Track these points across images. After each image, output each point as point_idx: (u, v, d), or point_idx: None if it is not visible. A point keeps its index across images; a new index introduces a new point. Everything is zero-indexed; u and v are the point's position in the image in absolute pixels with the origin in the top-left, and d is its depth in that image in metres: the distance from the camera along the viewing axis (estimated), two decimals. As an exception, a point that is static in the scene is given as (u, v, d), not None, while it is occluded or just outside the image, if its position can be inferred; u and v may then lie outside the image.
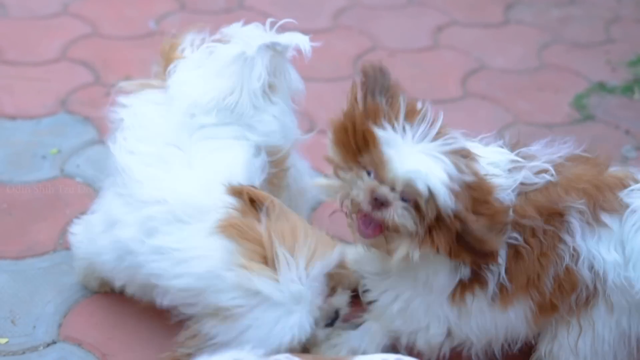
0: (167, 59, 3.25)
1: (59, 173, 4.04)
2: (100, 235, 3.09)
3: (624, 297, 2.79)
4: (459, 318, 2.87)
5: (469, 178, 2.60)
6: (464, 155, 2.67)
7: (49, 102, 4.51)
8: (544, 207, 2.75)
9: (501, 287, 2.78)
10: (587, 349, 2.87)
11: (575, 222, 2.75)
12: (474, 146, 2.81)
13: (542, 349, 2.98)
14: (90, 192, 3.90)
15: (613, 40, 5.30)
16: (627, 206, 2.78)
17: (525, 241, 2.74)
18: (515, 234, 2.73)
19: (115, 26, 5.18)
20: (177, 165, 2.99)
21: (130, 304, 3.38)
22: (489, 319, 2.87)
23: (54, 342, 3.24)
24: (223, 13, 5.28)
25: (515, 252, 2.75)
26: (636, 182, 2.84)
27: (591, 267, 2.76)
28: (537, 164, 2.81)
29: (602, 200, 2.78)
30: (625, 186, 2.82)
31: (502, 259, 2.73)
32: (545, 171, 2.79)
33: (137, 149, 3.04)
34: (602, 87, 4.82)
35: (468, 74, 4.91)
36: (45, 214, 3.79)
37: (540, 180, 2.77)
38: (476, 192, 2.62)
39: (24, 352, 3.19)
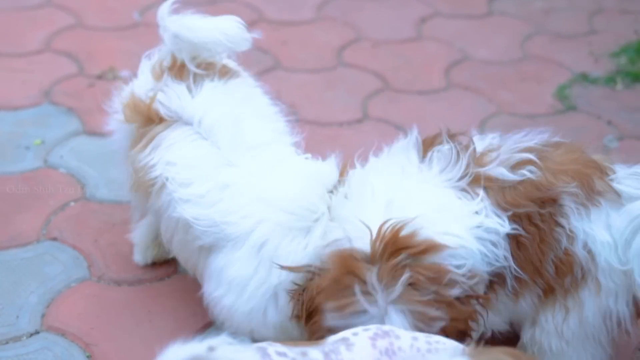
0: (145, 114, 3.13)
1: (43, 164, 4.04)
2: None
3: (612, 279, 2.81)
4: (490, 316, 2.90)
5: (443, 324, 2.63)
6: (436, 302, 2.62)
7: (32, 93, 4.51)
8: (536, 196, 2.77)
9: (516, 279, 2.80)
10: (571, 332, 2.89)
11: (569, 205, 2.77)
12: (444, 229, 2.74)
13: (524, 336, 2.99)
14: (74, 182, 3.91)
15: (596, 31, 5.32)
16: (615, 191, 2.80)
17: (525, 230, 2.76)
18: (515, 225, 2.75)
19: (99, 17, 5.18)
20: (242, 180, 2.90)
21: (113, 294, 3.40)
22: (511, 311, 2.91)
23: (37, 332, 3.24)
24: (207, 4, 5.27)
25: (517, 243, 2.77)
26: (612, 168, 2.88)
27: (585, 246, 2.78)
28: (507, 156, 2.83)
29: (594, 180, 2.80)
30: (606, 169, 2.86)
31: (507, 252, 2.75)
32: (529, 162, 2.81)
33: (192, 193, 2.92)
34: (584, 77, 4.84)
35: (451, 65, 4.92)
36: (28, 205, 3.79)
37: (519, 177, 2.79)
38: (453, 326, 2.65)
39: (7, 342, 3.19)
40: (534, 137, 2.92)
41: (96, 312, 3.33)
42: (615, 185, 2.83)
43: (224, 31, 3.17)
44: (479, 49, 5.09)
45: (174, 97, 3.10)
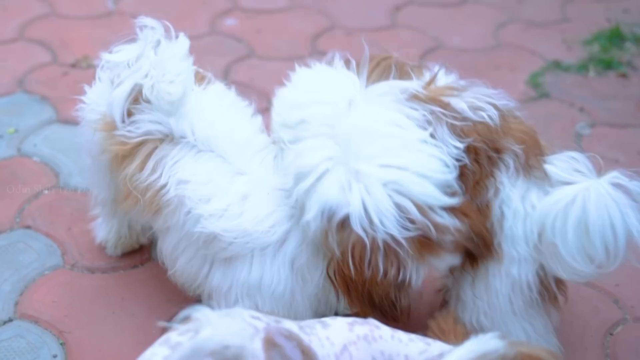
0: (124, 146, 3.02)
1: (16, 152, 4.04)
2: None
3: (514, 247, 2.83)
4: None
5: None
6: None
7: (6, 81, 4.50)
8: (488, 137, 2.80)
9: None
10: (486, 303, 2.91)
11: (508, 162, 2.81)
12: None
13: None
14: (47, 171, 3.91)
15: (569, 19, 5.34)
16: (544, 172, 2.84)
17: (470, 163, 2.78)
18: (464, 154, 2.77)
19: (73, 6, 5.16)
20: (258, 187, 2.87)
21: (86, 282, 3.40)
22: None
23: (10, 320, 3.25)
24: (182, -7, 5.28)
25: (462, 174, 2.78)
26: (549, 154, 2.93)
27: (501, 207, 2.82)
28: (470, 99, 2.84)
29: (535, 152, 2.85)
30: (545, 153, 2.90)
31: (458, 183, 2.76)
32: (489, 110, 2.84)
33: (214, 208, 2.86)
34: (557, 65, 4.87)
35: (425, 53, 4.94)
36: (1, 193, 3.79)
37: (478, 118, 2.80)
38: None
39: (-20, 330, 3.21)
40: (499, 98, 2.91)
41: (70, 299, 3.34)
42: (545, 165, 2.87)
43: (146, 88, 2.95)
44: (452, 36, 5.11)
45: (153, 120, 2.99)
